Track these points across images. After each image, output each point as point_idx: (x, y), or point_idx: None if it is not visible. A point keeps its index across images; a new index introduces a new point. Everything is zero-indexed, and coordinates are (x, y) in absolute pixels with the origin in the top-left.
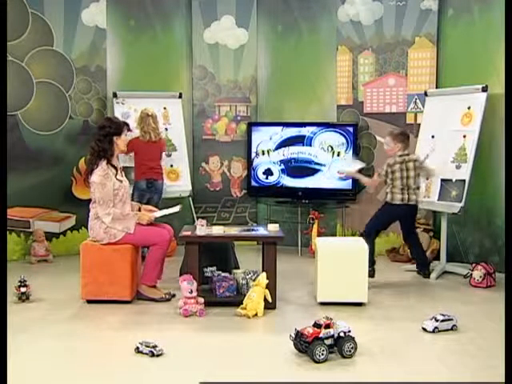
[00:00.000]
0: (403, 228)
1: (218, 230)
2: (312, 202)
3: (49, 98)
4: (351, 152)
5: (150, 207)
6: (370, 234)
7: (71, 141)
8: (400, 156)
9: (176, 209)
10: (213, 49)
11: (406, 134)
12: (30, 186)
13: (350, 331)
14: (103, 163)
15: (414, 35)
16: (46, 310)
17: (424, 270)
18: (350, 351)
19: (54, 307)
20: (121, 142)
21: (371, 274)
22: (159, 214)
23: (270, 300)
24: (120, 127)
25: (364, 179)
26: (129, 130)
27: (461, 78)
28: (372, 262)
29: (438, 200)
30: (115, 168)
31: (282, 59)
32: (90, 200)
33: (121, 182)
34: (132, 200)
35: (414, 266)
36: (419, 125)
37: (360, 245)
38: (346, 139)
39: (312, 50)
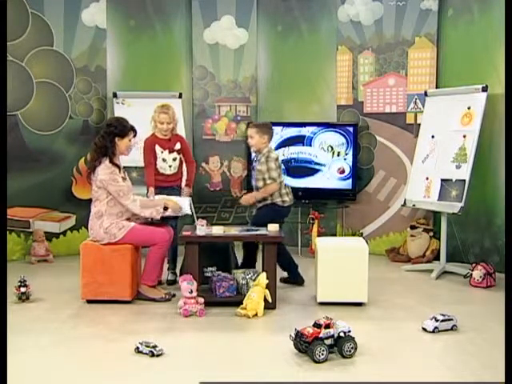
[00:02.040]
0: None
1: (217, 230)
2: (312, 201)
3: (49, 98)
4: (351, 152)
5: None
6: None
7: (71, 141)
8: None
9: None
10: (213, 49)
11: (270, 125)
12: (29, 185)
13: (350, 331)
14: (106, 161)
15: (414, 35)
16: (46, 309)
17: (297, 278)
18: (349, 351)
19: (54, 307)
20: (122, 145)
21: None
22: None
23: (269, 300)
24: (125, 130)
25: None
26: (135, 135)
27: (461, 78)
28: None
29: (438, 200)
30: (118, 167)
31: (281, 59)
32: (90, 200)
33: (124, 179)
34: None
35: (414, 266)
36: (419, 125)
37: (360, 245)
38: (346, 139)
39: (312, 50)
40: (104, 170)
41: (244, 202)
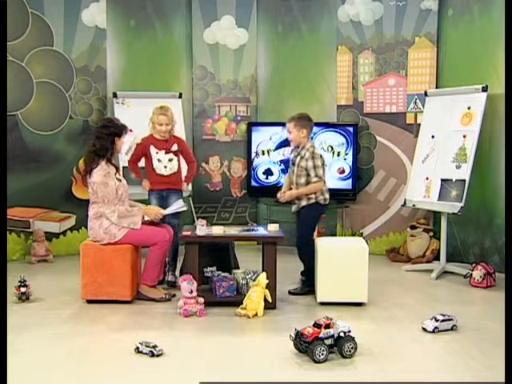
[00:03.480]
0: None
1: (217, 230)
2: None
3: (49, 98)
4: (351, 152)
5: (153, 206)
6: (309, 244)
7: (71, 141)
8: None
9: (180, 204)
10: (213, 49)
11: (309, 116)
12: (30, 185)
13: (350, 331)
14: (103, 162)
15: (414, 35)
16: (46, 309)
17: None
18: (349, 351)
19: (54, 307)
20: (119, 144)
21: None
22: (167, 211)
23: (270, 300)
24: (122, 129)
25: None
26: (126, 132)
27: (461, 78)
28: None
29: (438, 200)
30: (115, 167)
31: (281, 59)
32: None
33: (120, 181)
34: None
35: (414, 266)
36: (419, 125)
37: (360, 245)
38: (346, 139)
39: (312, 50)
40: (99, 171)
41: (286, 198)
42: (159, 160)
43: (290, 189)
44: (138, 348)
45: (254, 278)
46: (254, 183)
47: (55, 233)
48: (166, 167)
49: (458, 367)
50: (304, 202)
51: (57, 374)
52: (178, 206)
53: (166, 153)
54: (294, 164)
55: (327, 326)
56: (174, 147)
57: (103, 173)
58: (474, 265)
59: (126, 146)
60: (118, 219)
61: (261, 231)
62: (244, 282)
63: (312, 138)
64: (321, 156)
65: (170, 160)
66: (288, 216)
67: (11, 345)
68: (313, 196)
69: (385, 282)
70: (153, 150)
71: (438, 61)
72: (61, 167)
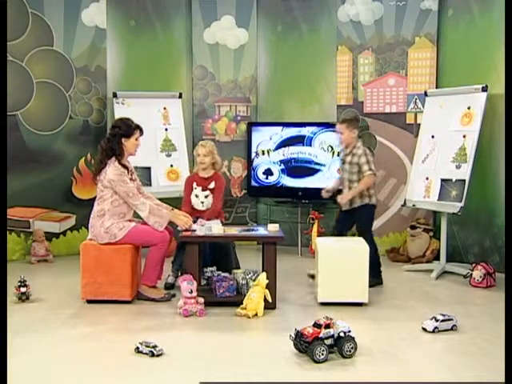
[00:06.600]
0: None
1: (218, 230)
2: (312, 202)
3: (49, 98)
4: None
5: (183, 213)
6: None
7: (71, 141)
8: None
9: (218, 229)
10: (213, 49)
11: (358, 118)
12: (30, 185)
13: (350, 331)
14: (115, 162)
15: (414, 35)
16: (46, 310)
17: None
18: (349, 351)
19: (54, 307)
20: (129, 145)
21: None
22: (198, 228)
23: (270, 300)
24: (130, 130)
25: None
26: (141, 134)
27: (461, 78)
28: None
29: (438, 200)
30: (126, 168)
31: (282, 59)
32: (90, 200)
33: (133, 181)
34: None
35: (414, 266)
36: (419, 125)
37: (360, 245)
38: None
39: (312, 50)
40: (113, 170)
41: (343, 200)
42: (197, 195)
43: (339, 190)
44: (137, 348)
45: (254, 277)
46: (254, 183)
47: (55, 233)
48: (202, 203)
49: (458, 367)
50: (358, 205)
51: (57, 374)
52: (215, 228)
53: (203, 189)
54: (344, 163)
55: (327, 326)
56: (212, 185)
57: (117, 172)
58: (473, 265)
59: None
60: (148, 214)
61: (261, 231)
62: (244, 282)
63: (311, 139)
64: (372, 154)
65: (206, 196)
66: (287, 216)
67: (11, 345)
68: (366, 197)
69: (385, 282)
70: (194, 185)
71: (438, 61)
72: (61, 167)
